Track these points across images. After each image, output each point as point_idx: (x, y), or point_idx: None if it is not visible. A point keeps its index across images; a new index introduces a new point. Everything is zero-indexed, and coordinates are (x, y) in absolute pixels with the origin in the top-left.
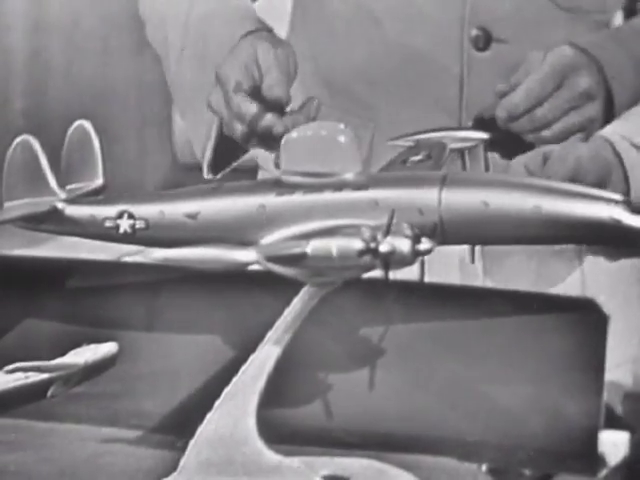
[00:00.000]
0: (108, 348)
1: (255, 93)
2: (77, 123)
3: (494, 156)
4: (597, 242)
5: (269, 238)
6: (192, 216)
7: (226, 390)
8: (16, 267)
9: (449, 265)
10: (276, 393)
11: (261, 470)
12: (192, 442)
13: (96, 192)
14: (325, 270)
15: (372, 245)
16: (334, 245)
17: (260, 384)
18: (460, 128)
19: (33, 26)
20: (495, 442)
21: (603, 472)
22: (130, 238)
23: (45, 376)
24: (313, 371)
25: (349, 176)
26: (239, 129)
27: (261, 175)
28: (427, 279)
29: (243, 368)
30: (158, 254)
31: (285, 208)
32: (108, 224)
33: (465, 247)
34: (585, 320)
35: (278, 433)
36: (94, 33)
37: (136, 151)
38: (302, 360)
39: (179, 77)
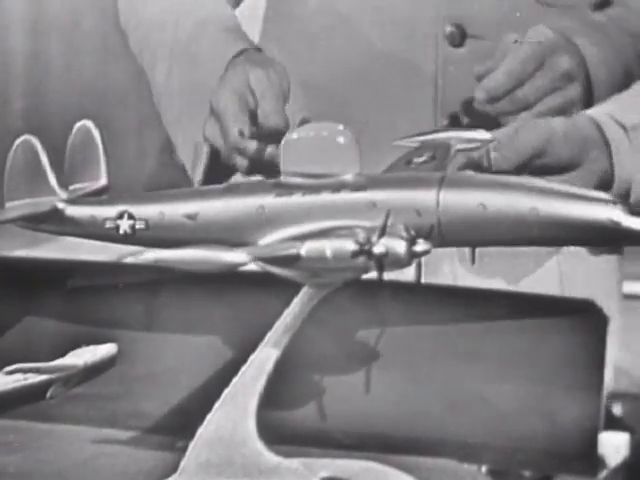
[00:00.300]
0: (107, 349)
1: (253, 123)
2: (80, 123)
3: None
4: (596, 244)
5: (268, 239)
6: (191, 217)
7: (226, 391)
8: (16, 267)
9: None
10: (276, 394)
11: (261, 471)
12: (192, 443)
13: (99, 192)
14: (320, 271)
15: (366, 247)
16: (328, 246)
17: (260, 385)
18: (465, 129)
19: (33, 26)
20: (495, 443)
21: (603, 473)
22: (130, 239)
23: (44, 377)
24: (313, 373)
25: (348, 177)
26: (239, 162)
27: None
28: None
29: (243, 369)
30: (150, 255)
31: (284, 209)
32: (108, 225)
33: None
34: (585, 321)
35: (278, 434)
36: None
37: (136, 151)
38: (302, 361)
39: (167, 97)
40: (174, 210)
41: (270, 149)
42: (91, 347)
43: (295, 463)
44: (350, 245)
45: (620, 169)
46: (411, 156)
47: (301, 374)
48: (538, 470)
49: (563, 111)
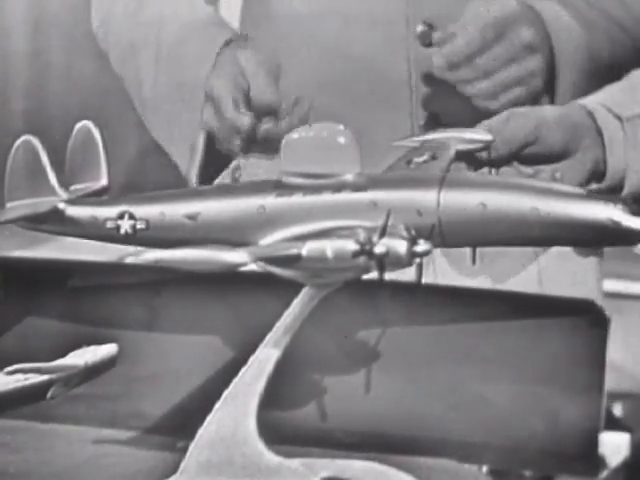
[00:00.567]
0: (108, 349)
1: (247, 102)
2: (81, 124)
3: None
4: (596, 243)
5: (268, 239)
6: (192, 217)
7: (226, 391)
8: (16, 267)
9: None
10: (276, 394)
11: (261, 471)
12: (192, 443)
13: (100, 193)
14: (321, 272)
15: (367, 247)
16: (329, 246)
17: (260, 385)
18: (466, 129)
19: (33, 27)
20: (495, 443)
21: (604, 473)
22: (131, 239)
23: (45, 377)
24: (313, 373)
25: (348, 177)
26: (237, 142)
27: None
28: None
29: (243, 369)
30: (150, 255)
31: (285, 209)
32: (109, 225)
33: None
34: (585, 321)
35: (278, 434)
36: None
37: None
38: (303, 362)
39: (154, 101)
40: (175, 210)
41: (265, 126)
42: (92, 347)
43: (295, 463)
44: (351, 245)
45: (614, 160)
46: (411, 156)
47: (301, 374)
48: (538, 470)
49: (523, 82)
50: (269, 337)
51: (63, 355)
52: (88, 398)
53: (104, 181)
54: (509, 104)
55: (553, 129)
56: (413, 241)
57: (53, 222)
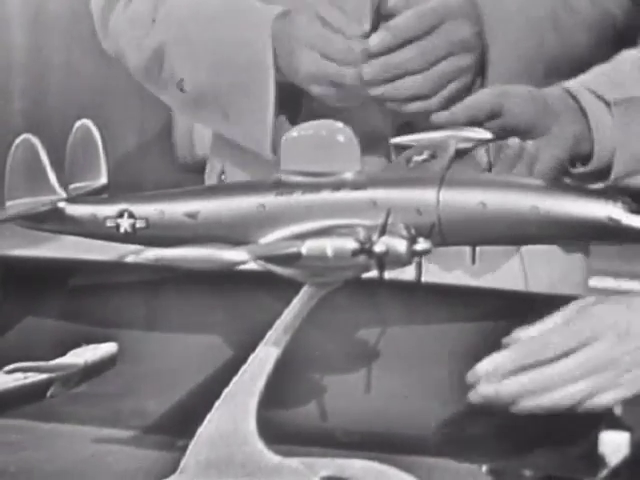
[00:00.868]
0: (108, 348)
1: None
2: (80, 122)
3: None
4: (596, 241)
5: (268, 238)
6: (192, 215)
7: (226, 390)
8: (16, 267)
9: None
10: (276, 393)
11: (261, 470)
12: (192, 442)
13: (99, 191)
14: (321, 270)
15: (367, 245)
16: (329, 245)
17: (260, 384)
18: (465, 128)
19: (33, 26)
20: (496, 443)
21: (603, 472)
22: (131, 237)
23: (45, 376)
24: (313, 372)
25: (348, 176)
26: (351, 71)
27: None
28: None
29: (243, 368)
30: (150, 254)
31: (284, 208)
32: (109, 223)
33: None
34: None
35: (278, 433)
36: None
37: (136, 151)
38: (302, 361)
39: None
40: (174, 209)
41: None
42: (91, 346)
43: (295, 462)
44: (351, 244)
45: (601, 142)
46: (411, 155)
47: (301, 373)
48: (538, 469)
49: (453, 78)
50: (269, 336)
51: (63, 354)
52: (88, 397)
53: (104, 179)
54: (442, 103)
55: (519, 100)
56: (413, 240)
57: (53, 221)
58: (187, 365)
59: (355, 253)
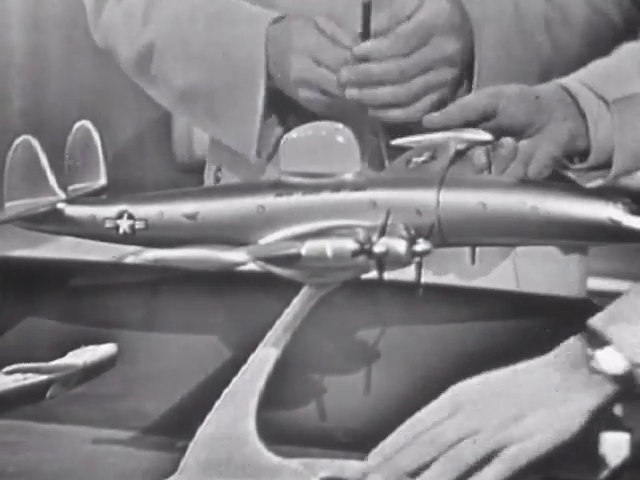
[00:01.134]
0: (107, 349)
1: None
2: (80, 123)
3: None
4: (596, 242)
5: (268, 238)
6: (191, 216)
7: (226, 391)
8: (16, 267)
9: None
10: (276, 394)
11: (260, 471)
12: (192, 443)
13: (98, 192)
14: (320, 271)
15: (366, 246)
16: (328, 246)
17: (260, 385)
18: (465, 129)
19: (32, 26)
20: None
21: (604, 473)
22: (130, 238)
23: (44, 377)
24: (313, 372)
25: (348, 177)
26: (345, 73)
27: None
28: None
29: (243, 368)
30: (149, 255)
31: (284, 209)
32: (108, 224)
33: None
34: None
35: (278, 434)
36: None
37: (136, 151)
38: (302, 361)
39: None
40: (174, 210)
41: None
42: (91, 347)
43: (295, 463)
44: (350, 244)
45: (599, 139)
46: (411, 156)
47: (301, 374)
48: (538, 470)
49: (430, 90)
50: (268, 336)
51: (62, 355)
52: (87, 398)
53: (103, 181)
54: (420, 113)
55: (513, 100)
56: (412, 240)
57: (52, 222)
58: (187, 366)
59: (355, 254)
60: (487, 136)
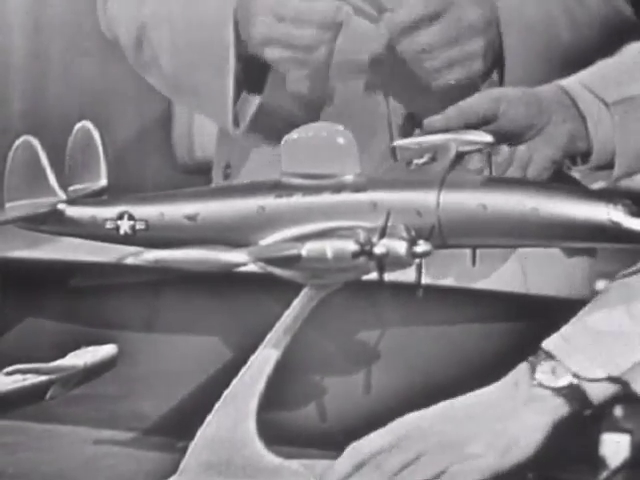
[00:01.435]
0: (107, 350)
1: None
2: (80, 124)
3: None
4: (596, 244)
5: (268, 240)
6: (192, 217)
7: (226, 392)
8: (16, 268)
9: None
10: (276, 395)
11: (261, 472)
12: (192, 444)
13: (99, 193)
14: (321, 272)
15: (367, 247)
16: (329, 247)
17: (260, 386)
18: (466, 131)
19: (33, 27)
20: None
21: (604, 474)
22: (130, 239)
23: (44, 378)
24: (313, 373)
25: (348, 178)
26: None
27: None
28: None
29: (243, 370)
30: (150, 256)
31: (284, 210)
32: (108, 225)
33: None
34: None
35: (278, 435)
36: (94, 33)
37: (136, 152)
38: (302, 362)
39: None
40: (174, 211)
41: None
42: (91, 348)
43: (295, 464)
44: (351, 245)
45: (600, 141)
46: (411, 157)
47: (301, 375)
48: (539, 471)
49: (461, 64)
50: (269, 338)
51: (62, 355)
52: (87, 399)
53: (103, 181)
54: (447, 84)
55: (514, 103)
56: (413, 242)
57: (53, 222)
58: (187, 367)
59: (355, 255)
60: (488, 138)
